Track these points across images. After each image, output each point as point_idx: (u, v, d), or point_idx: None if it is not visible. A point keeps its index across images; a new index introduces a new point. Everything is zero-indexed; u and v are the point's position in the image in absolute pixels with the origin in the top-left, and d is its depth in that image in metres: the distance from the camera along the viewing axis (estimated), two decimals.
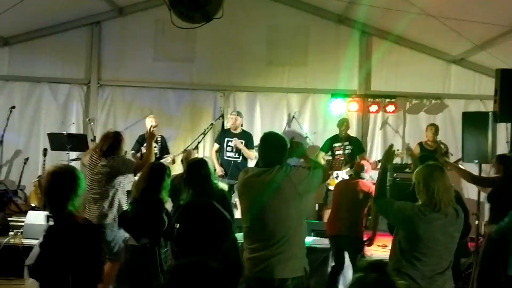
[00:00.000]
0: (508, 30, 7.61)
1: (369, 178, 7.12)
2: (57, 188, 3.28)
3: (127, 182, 6.17)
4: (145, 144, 8.66)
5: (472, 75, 9.87)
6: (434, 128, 8.97)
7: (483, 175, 7.64)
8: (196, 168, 4.71)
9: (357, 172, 6.80)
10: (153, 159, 6.56)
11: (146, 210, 4.71)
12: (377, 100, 9.73)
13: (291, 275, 3.84)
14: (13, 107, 9.52)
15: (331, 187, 8.74)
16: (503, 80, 6.82)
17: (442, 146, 8.74)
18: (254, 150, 8.44)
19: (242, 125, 8.97)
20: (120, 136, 6.14)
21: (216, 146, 8.98)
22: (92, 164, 5.98)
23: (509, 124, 7.13)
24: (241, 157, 8.60)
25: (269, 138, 4.14)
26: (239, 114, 8.94)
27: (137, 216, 4.75)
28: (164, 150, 8.97)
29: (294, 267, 3.88)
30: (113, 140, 6.01)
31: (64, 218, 3.18)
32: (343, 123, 9.14)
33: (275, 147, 4.03)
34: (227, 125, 9.04)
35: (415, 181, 4.02)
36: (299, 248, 3.94)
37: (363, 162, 7.05)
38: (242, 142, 8.58)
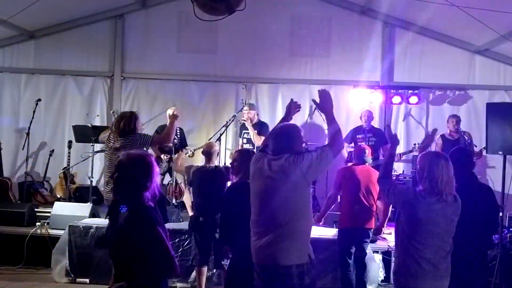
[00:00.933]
0: None
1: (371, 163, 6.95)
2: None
3: None
4: None
5: (496, 66, 9.81)
6: (456, 119, 8.89)
7: (508, 166, 7.62)
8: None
9: (361, 157, 6.54)
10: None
11: None
12: (400, 91, 9.68)
13: (296, 261, 3.85)
14: (39, 100, 9.54)
15: None
16: None
17: (466, 137, 8.69)
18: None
19: (257, 115, 8.94)
20: (136, 115, 6.22)
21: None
22: (110, 143, 6.09)
23: None
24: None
25: (280, 128, 4.20)
26: (251, 106, 8.90)
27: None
28: (183, 142, 9.00)
29: (299, 254, 3.88)
30: (130, 119, 6.10)
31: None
32: (366, 115, 9.14)
33: (285, 136, 4.06)
34: (242, 119, 9.03)
35: (418, 166, 4.10)
36: (304, 235, 3.94)
37: (364, 145, 6.90)
38: (256, 132, 8.52)
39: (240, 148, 8.45)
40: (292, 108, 4.45)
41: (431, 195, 3.88)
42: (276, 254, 3.87)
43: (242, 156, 5.28)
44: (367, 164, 6.48)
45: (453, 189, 3.95)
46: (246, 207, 4.17)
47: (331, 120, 4.17)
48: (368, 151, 6.57)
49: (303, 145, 4.71)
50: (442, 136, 8.90)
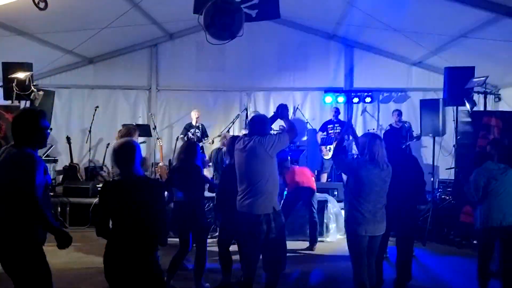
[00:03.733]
0: (453, 39, 7.54)
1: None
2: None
3: None
4: (191, 130, 8.84)
5: (427, 74, 9.74)
6: (397, 113, 8.89)
7: (436, 145, 7.66)
8: None
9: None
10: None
11: (189, 173, 4.75)
12: (358, 94, 9.70)
13: (263, 211, 3.93)
14: (97, 107, 9.54)
15: (326, 157, 8.81)
16: (449, 75, 6.82)
17: (406, 125, 8.71)
18: None
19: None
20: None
21: None
22: None
23: (455, 108, 7.05)
24: None
25: (253, 117, 4.35)
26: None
27: (182, 178, 4.76)
28: (204, 134, 9.04)
29: (265, 206, 3.94)
30: None
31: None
32: (334, 110, 9.17)
33: (257, 123, 4.16)
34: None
35: (360, 143, 4.16)
36: (268, 193, 3.96)
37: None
38: None
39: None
40: (283, 109, 4.39)
41: (371, 164, 3.94)
42: (250, 206, 3.96)
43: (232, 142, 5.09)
44: None
45: (385, 159, 4.01)
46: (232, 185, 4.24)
47: (287, 121, 4.29)
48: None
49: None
50: (390, 125, 8.94)
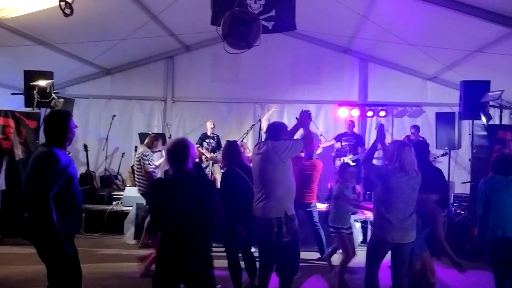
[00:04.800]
0: (469, 53, 7.56)
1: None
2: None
3: None
4: (206, 140, 8.90)
5: (442, 89, 9.73)
6: (414, 129, 8.86)
7: (452, 160, 7.60)
8: None
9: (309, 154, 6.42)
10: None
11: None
12: (372, 107, 9.69)
13: (274, 215, 3.99)
14: (114, 115, 9.72)
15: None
16: (465, 88, 6.82)
17: (421, 138, 8.69)
18: None
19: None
20: None
21: None
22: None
23: (471, 121, 7.03)
24: None
25: (270, 124, 4.51)
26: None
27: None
28: (219, 145, 9.06)
29: (276, 210, 4.01)
30: None
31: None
32: (349, 123, 9.19)
33: (271, 128, 4.31)
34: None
35: (389, 152, 4.13)
36: (279, 197, 4.03)
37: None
38: None
39: None
40: (304, 116, 4.49)
41: (400, 172, 3.93)
42: (262, 209, 4.04)
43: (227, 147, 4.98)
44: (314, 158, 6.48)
45: (415, 167, 3.99)
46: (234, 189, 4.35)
47: (307, 129, 4.38)
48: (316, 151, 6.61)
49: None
50: (407, 136, 8.92)
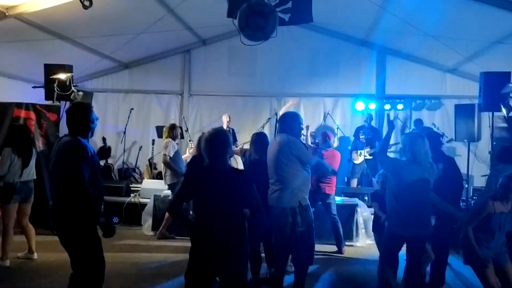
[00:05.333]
0: (489, 44, 7.42)
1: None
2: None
3: None
4: None
5: (462, 81, 9.61)
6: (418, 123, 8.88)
7: (471, 153, 7.48)
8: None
9: (326, 141, 6.42)
10: None
11: None
12: (390, 100, 9.62)
13: (288, 205, 4.03)
14: (132, 109, 9.84)
15: (356, 162, 8.76)
16: (485, 80, 6.71)
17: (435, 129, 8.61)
18: None
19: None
20: None
21: None
22: None
23: (490, 113, 6.92)
24: None
25: (284, 116, 4.46)
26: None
27: None
28: (234, 139, 9.07)
29: (290, 200, 4.04)
30: None
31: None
32: (367, 117, 9.13)
33: (285, 121, 4.29)
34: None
35: (401, 144, 4.09)
36: (294, 189, 4.06)
37: (328, 133, 6.72)
38: None
39: None
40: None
41: (413, 164, 3.88)
42: (276, 199, 4.08)
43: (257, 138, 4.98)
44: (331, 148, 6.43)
45: (429, 158, 3.93)
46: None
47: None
48: (332, 137, 6.55)
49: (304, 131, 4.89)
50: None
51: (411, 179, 3.85)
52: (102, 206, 7.30)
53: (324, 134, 6.58)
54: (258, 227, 4.60)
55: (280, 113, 7.80)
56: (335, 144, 8.73)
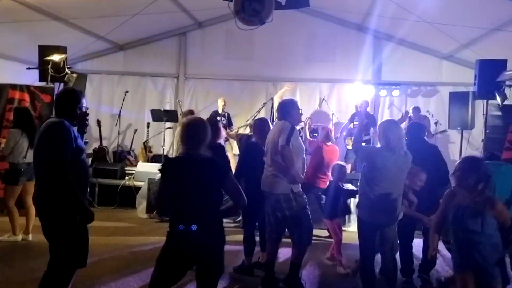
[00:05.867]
0: (486, 32, 7.41)
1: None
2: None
3: None
4: (217, 117, 8.91)
5: (458, 68, 9.58)
6: (415, 111, 8.81)
7: (464, 140, 7.53)
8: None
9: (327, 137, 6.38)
10: None
11: None
12: (385, 86, 9.61)
13: (281, 191, 4.08)
14: (126, 91, 9.79)
15: (349, 147, 8.76)
16: (481, 67, 6.72)
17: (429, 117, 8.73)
18: None
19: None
20: None
21: None
22: None
23: (485, 101, 6.95)
24: None
25: (283, 103, 4.46)
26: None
27: None
28: (230, 123, 9.10)
29: (285, 187, 4.09)
30: None
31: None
32: (362, 103, 9.09)
33: (285, 108, 4.32)
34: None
35: (377, 131, 4.08)
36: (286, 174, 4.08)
37: (330, 127, 6.74)
38: None
39: None
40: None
41: (386, 151, 3.85)
42: (269, 185, 4.15)
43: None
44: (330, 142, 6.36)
45: (403, 146, 3.88)
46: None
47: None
48: (332, 132, 6.50)
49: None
50: (409, 117, 8.91)
51: (383, 165, 3.81)
52: (97, 189, 7.44)
53: (325, 129, 6.60)
54: (253, 213, 4.69)
55: (276, 98, 7.83)
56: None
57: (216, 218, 2.89)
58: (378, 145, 4.17)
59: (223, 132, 4.43)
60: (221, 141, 4.80)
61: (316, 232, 6.30)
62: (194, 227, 2.75)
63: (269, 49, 10.06)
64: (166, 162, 3.04)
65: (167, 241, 2.86)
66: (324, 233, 6.47)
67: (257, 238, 4.93)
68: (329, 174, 6.17)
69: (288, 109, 4.27)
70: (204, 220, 2.79)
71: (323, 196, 6.25)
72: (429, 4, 7.21)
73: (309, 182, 6.15)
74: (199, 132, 2.90)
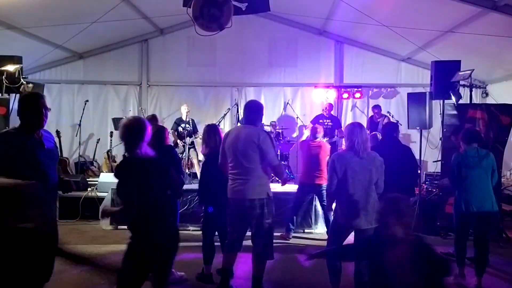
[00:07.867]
0: (441, 34, 7.68)
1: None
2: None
3: None
4: (182, 124, 8.81)
5: (416, 70, 9.92)
6: (377, 108, 9.19)
7: (424, 139, 7.74)
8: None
9: (313, 134, 6.55)
10: None
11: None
12: (348, 89, 9.79)
13: (258, 196, 3.96)
14: (87, 101, 9.60)
15: None
16: (436, 69, 6.94)
17: (390, 117, 9.00)
18: None
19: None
20: None
21: None
22: None
23: (441, 101, 7.18)
24: None
25: (252, 105, 4.25)
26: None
27: None
28: (194, 129, 9.01)
29: (261, 191, 3.99)
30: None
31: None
32: (326, 106, 9.24)
33: (254, 112, 4.15)
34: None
35: (344, 135, 4.15)
36: (261, 179, 4.01)
37: (317, 125, 6.84)
38: None
39: None
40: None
41: (350, 153, 3.93)
42: (242, 191, 3.98)
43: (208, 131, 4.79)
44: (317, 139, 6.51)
45: (368, 148, 3.94)
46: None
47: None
48: (319, 129, 6.59)
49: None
50: (371, 117, 9.24)
51: (350, 168, 3.89)
52: (57, 203, 7.19)
53: (313, 128, 6.68)
54: (215, 219, 4.65)
55: None
56: (295, 134, 8.86)
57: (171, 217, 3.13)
58: (343, 147, 4.24)
59: (171, 137, 4.33)
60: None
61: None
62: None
63: (232, 54, 10.09)
64: (131, 163, 2.98)
65: (142, 240, 2.89)
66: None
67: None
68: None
69: (259, 114, 4.17)
70: (171, 217, 3.04)
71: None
72: (387, 8, 7.43)
73: (308, 182, 6.32)
74: (140, 131, 2.96)
